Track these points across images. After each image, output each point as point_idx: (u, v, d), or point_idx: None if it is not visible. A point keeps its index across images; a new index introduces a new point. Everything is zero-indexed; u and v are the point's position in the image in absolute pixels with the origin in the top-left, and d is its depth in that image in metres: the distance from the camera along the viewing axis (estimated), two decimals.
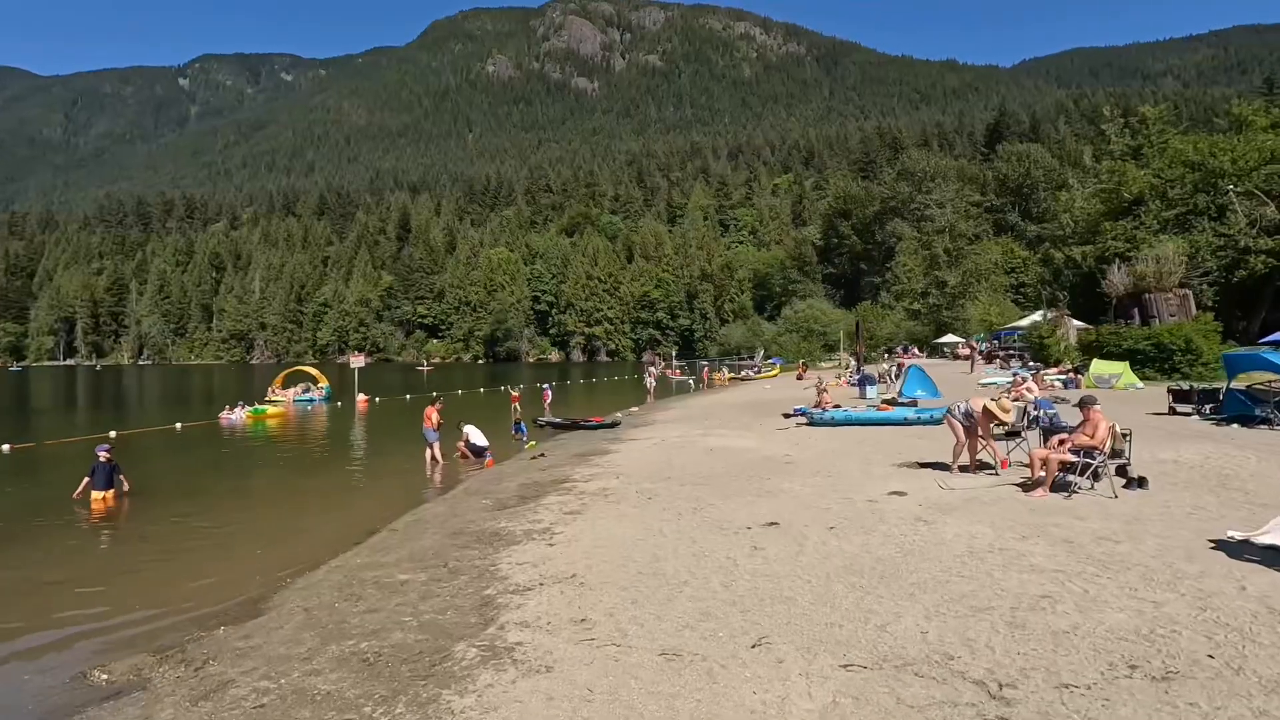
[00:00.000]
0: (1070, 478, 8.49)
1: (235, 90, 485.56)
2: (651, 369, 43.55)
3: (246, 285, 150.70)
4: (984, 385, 25.80)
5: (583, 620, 5.18)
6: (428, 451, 15.13)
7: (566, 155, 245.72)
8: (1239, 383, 14.23)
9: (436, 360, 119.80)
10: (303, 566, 7.53)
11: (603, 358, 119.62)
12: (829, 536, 7.11)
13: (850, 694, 3.90)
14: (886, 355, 56.70)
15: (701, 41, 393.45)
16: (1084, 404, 8.55)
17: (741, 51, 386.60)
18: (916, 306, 73.19)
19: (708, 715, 3.77)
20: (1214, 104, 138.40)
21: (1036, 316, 40.65)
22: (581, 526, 8.21)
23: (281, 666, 4.76)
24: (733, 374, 49.20)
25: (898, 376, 26.42)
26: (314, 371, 38.13)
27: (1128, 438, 8.65)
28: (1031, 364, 32.07)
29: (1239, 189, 38.07)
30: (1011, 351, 41.71)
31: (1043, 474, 8.58)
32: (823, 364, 54.59)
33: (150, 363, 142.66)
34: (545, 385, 30.52)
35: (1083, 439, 8.35)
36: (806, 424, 17.22)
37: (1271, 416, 13.02)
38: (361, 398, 32.29)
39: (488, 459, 15.00)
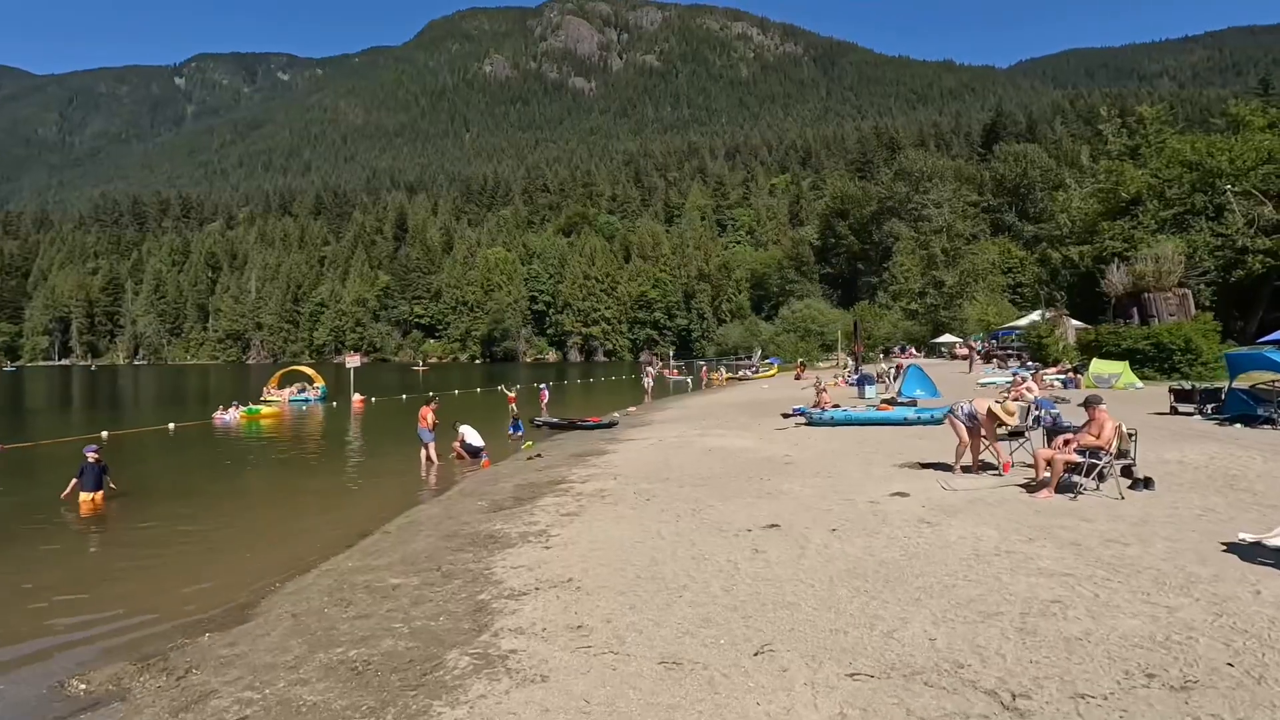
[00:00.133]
0: (1075, 478, 8.35)
1: (231, 90, 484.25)
2: (649, 369, 43.39)
3: (242, 285, 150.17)
4: (982, 385, 25.71)
5: (579, 627, 5.01)
6: (423, 452, 14.96)
7: (564, 155, 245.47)
8: (1241, 382, 14.11)
9: (433, 360, 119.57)
10: (293, 570, 7.36)
11: (600, 358, 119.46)
12: (831, 539, 6.96)
13: (858, 705, 3.75)
14: (884, 355, 56.66)
15: (699, 41, 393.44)
16: (1089, 404, 8.41)
17: (739, 52, 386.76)
18: (914, 306, 73.15)
19: None
20: (1209, 105, 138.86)
21: (1035, 316, 40.59)
22: (578, 529, 8.05)
23: (267, 676, 4.59)
24: (730, 374, 49.07)
25: (896, 378, 26.29)
26: (310, 371, 37.93)
27: (1133, 437, 8.51)
28: (1030, 364, 31.97)
29: (1236, 189, 38.06)
30: (1010, 351, 41.64)
31: (1047, 475, 8.44)
32: (820, 364, 54.49)
33: (145, 363, 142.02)
34: (542, 385, 30.35)
35: (1088, 439, 8.21)
36: (805, 424, 17.08)
37: (1275, 416, 12.91)
38: (357, 398, 32.08)
39: (483, 459, 14.83)
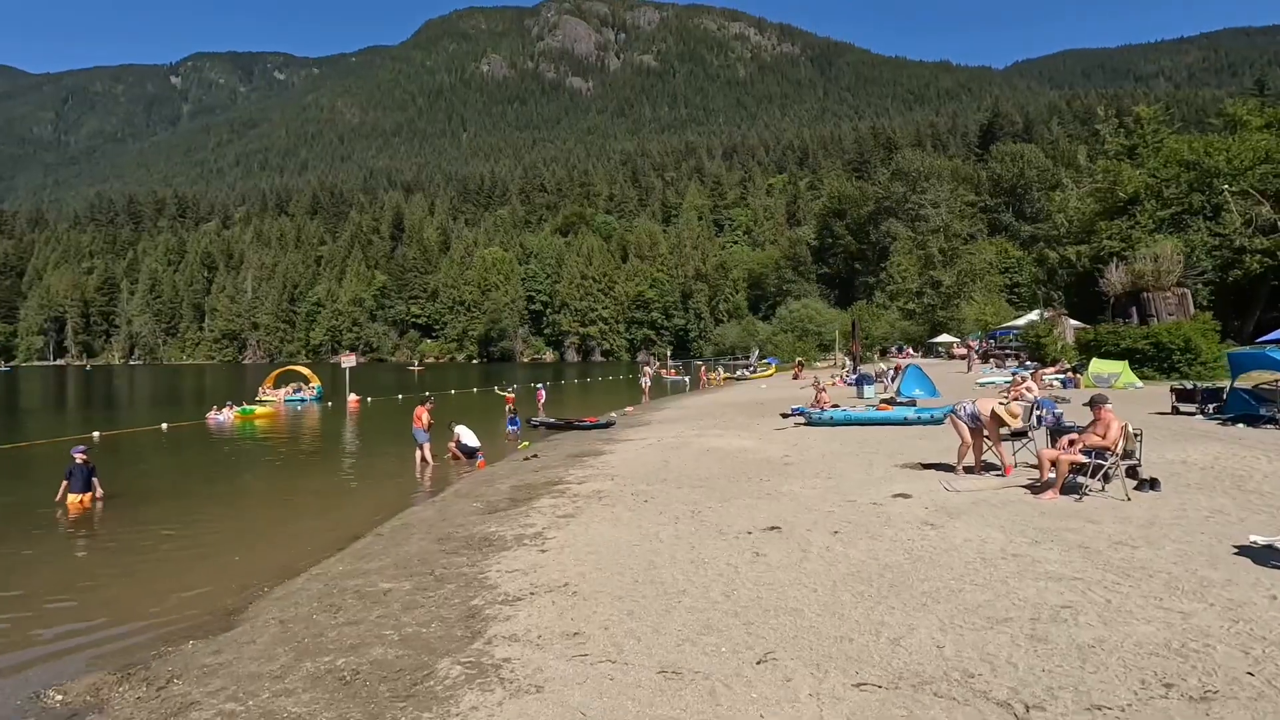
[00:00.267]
0: (1080, 479, 8.22)
1: (228, 89, 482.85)
2: (647, 369, 43.25)
3: (239, 285, 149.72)
4: (981, 385, 25.62)
5: (575, 634, 4.85)
6: (418, 453, 14.79)
7: (561, 155, 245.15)
8: (1244, 382, 14.00)
9: (430, 360, 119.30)
10: (282, 574, 7.19)
11: (597, 358, 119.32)
12: (833, 541, 6.81)
13: (866, 717, 3.59)
14: (880, 355, 56.61)
15: (696, 41, 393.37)
16: (1095, 403, 8.27)
17: (736, 52, 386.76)
18: (911, 306, 73.17)
19: None
20: (1205, 105, 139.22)
21: (1033, 316, 40.54)
22: (575, 531, 7.89)
23: (251, 686, 4.42)
24: (728, 374, 48.94)
25: (894, 379, 26.17)
26: (306, 371, 37.74)
27: (1139, 438, 8.38)
28: (1028, 363, 31.90)
29: (1234, 188, 38.04)
30: (1008, 351, 41.59)
31: (1052, 475, 8.30)
32: (817, 363, 54.39)
33: (141, 363, 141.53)
34: (539, 385, 30.18)
35: (1094, 439, 8.07)
36: (804, 424, 16.94)
37: (1278, 416, 12.80)
38: (353, 398, 31.88)
39: (479, 460, 14.68)
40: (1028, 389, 17.03)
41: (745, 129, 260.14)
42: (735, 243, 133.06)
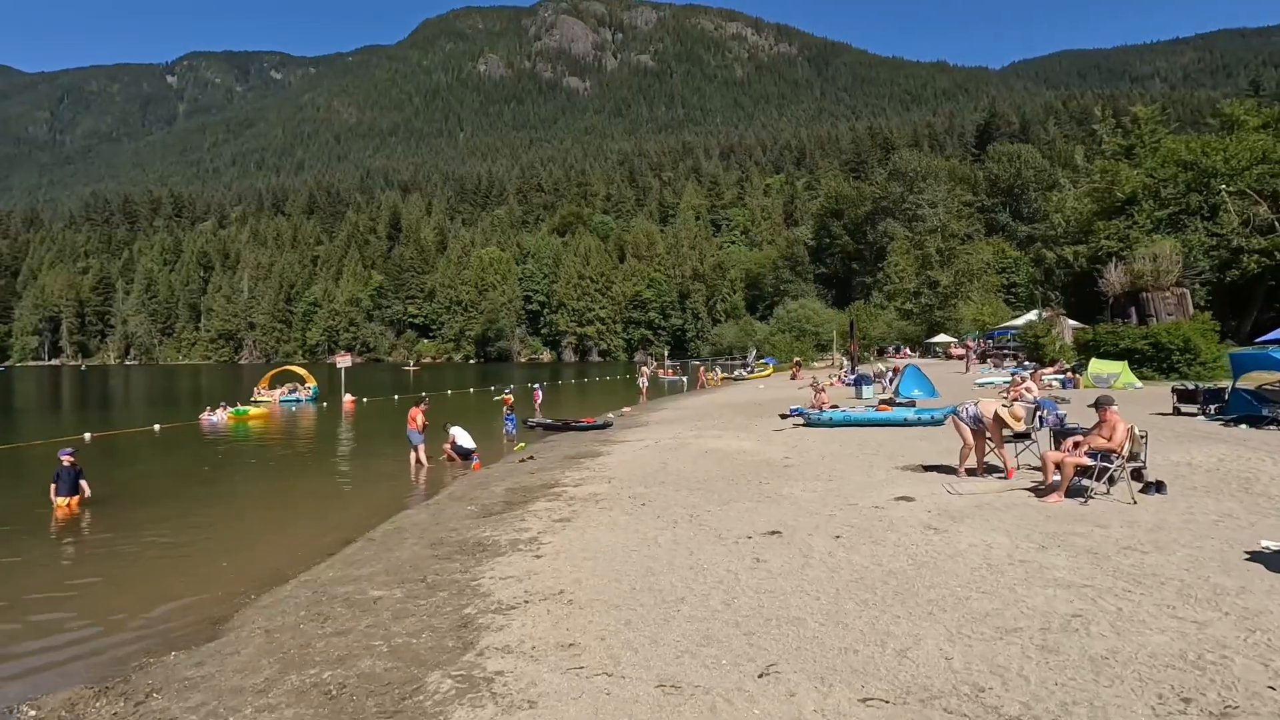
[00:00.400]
0: (1085, 482, 8.08)
1: (224, 88, 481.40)
2: (645, 369, 43.09)
3: (235, 284, 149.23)
4: (980, 385, 25.51)
5: (571, 645, 4.69)
6: (412, 454, 14.61)
7: (558, 155, 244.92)
8: (1246, 382, 13.88)
9: (427, 360, 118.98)
10: (270, 580, 7.01)
11: (595, 358, 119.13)
12: (835, 547, 6.66)
13: None
14: (878, 355, 56.51)
15: (693, 41, 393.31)
16: (1101, 405, 8.13)
17: (733, 52, 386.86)
18: (909, 306, 73.14)
19: None
20: (1200, 106, 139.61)
21: (1031, 316, 40.47)
22: (570, 536, 7.72)
23: (233, 701, 4.25)
24: (725, 374, 48.79)
25: (893, 380, 26.04)
26: (302, 371, 37.53)
27: (1144, 440, 8.24)
28: (1027, 363, 31.80)
29: (1231, 188, 38.00)
30: (1006, 351, 41.52)
31: (1057, 478, 8.16)
32: (815, 364, 54.28)
33: (137, 363, 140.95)
34: (536, 386, 30.00)
35: (1100, 441, 7.93)
36: (803, 425, 16.80)
37: None
38: (348, 398, 31.68)
39: (474, 462, 14.51)
40: (1027, 389, 16.91)
41: (742, 129, 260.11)
42: (732, 243, 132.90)
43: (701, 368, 50.75)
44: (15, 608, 6.65)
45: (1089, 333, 30.38)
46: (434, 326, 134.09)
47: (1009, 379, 21.55)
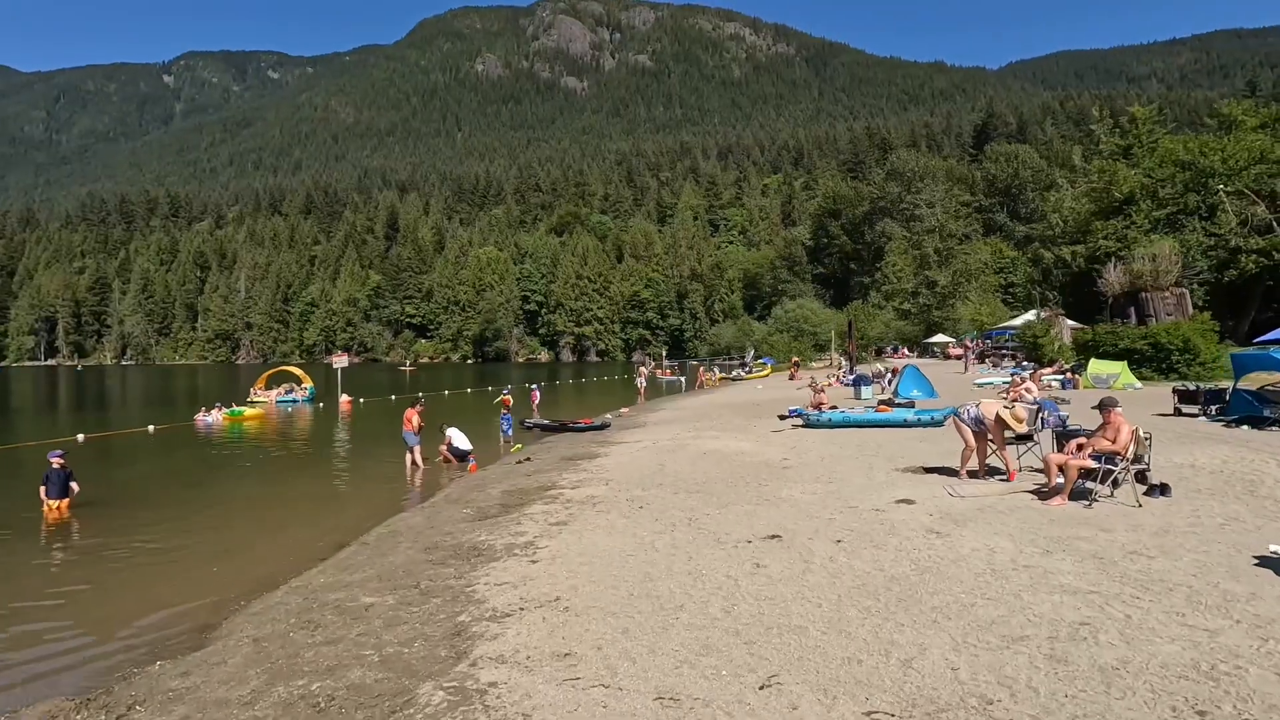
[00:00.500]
0: (1088, 484, 7.97)
1: (221, 88, 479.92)
2: (643, 369, 42.97)
3: (232, 284, 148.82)
4: (979, 385, 25.42)
5: (567, 654, 4.57)
6: (408, 456, 14.48)
7: (556, 155, 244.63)
8: (1247, 383, 13.80)
9: (424, 360, 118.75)
10: (261, 586, 6.88)
11: (592, 358, 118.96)
12: (837, 551, 6.54)
13: None
14: (876, 355, 56.46)
15: (691, 41, 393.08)
16: (1105, 406, 8.02)
17: (731, 52, 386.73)
18: (907, 306, 73.12)
19: None
20: (1197, 106, 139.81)
21: (1029, 316, 40.42)
22: (567, 540, 7.60)
23: (218, 713, 4.13)
24: (723, 374, 48.68)
25: (892, 380, 25.95)
26: (298, 372, 37.35)
27: (1149, 441, 8.14)
28: (1025, 363, 31.74)
29: (1229, 189, 37.96)
30: (1004, 351, 41.47)
31: (1060, 481, 8.05)
32: (813, 364, 54.19)
33: (133, 363, 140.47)
34: (534, 386, 29.85)
35: (1104, 444, 7.82)
36: (802, 425, 16.69)
37: None
38: (345, 399, 31.51)
39: (471, 463, 14.37)
40: (1027, 390, 16.81)
41: (740, 129, 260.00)
42: (730, 243, 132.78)
43: (700, 368, 50.64)
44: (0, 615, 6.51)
45: (1088, 333, 30.30)
46: (431, 326, 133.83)
47: (1008, 379, 21.47)
